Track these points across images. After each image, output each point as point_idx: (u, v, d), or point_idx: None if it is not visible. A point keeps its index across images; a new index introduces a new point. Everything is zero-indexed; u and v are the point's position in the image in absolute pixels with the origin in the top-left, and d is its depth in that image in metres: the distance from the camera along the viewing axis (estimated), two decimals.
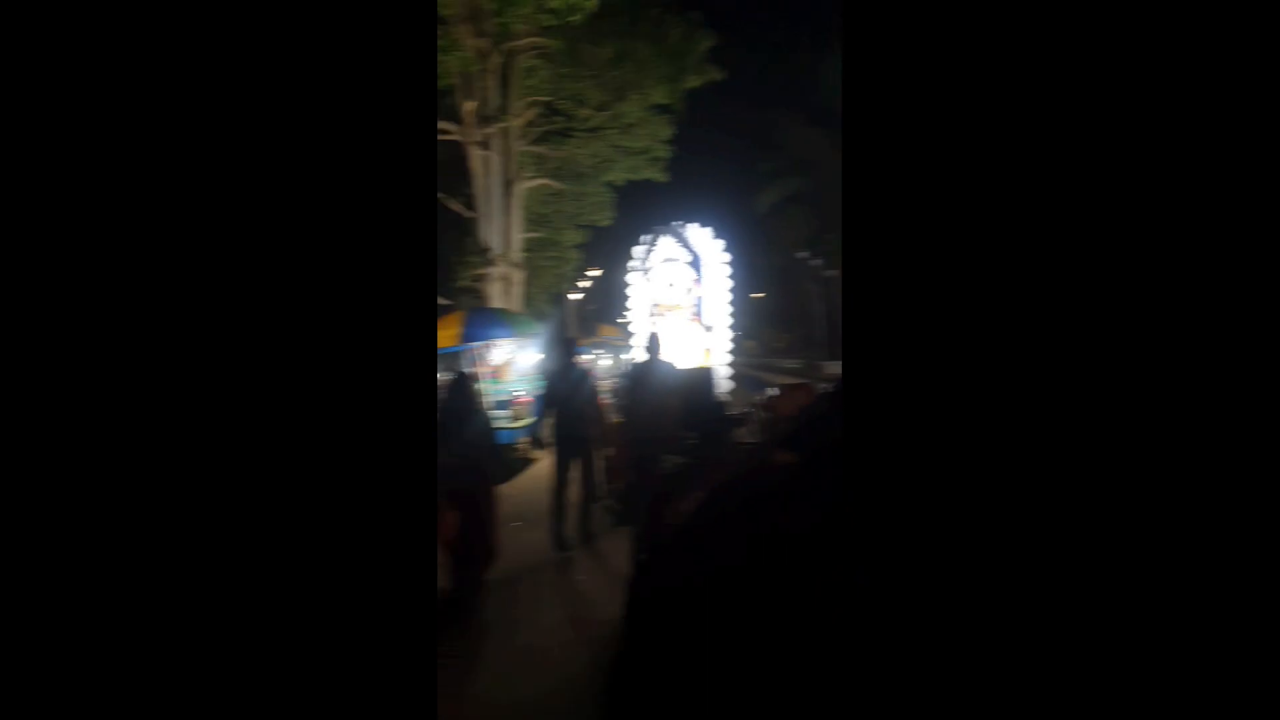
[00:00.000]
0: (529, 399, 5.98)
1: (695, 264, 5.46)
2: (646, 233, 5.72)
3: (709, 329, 5.33)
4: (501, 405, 6.12)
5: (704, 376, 3.08)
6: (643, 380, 3.15)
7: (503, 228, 9.44)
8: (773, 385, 3.69)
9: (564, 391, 3.43)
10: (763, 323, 33.16)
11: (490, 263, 9.32)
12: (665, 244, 5.56)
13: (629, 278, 5.77)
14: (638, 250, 5.66)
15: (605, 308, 26.26)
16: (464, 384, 3.15)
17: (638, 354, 4.18)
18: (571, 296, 20.73)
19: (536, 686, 2.26)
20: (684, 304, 5.41)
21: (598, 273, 20.89)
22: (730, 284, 5.51)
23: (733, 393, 4.84)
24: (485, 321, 6.85)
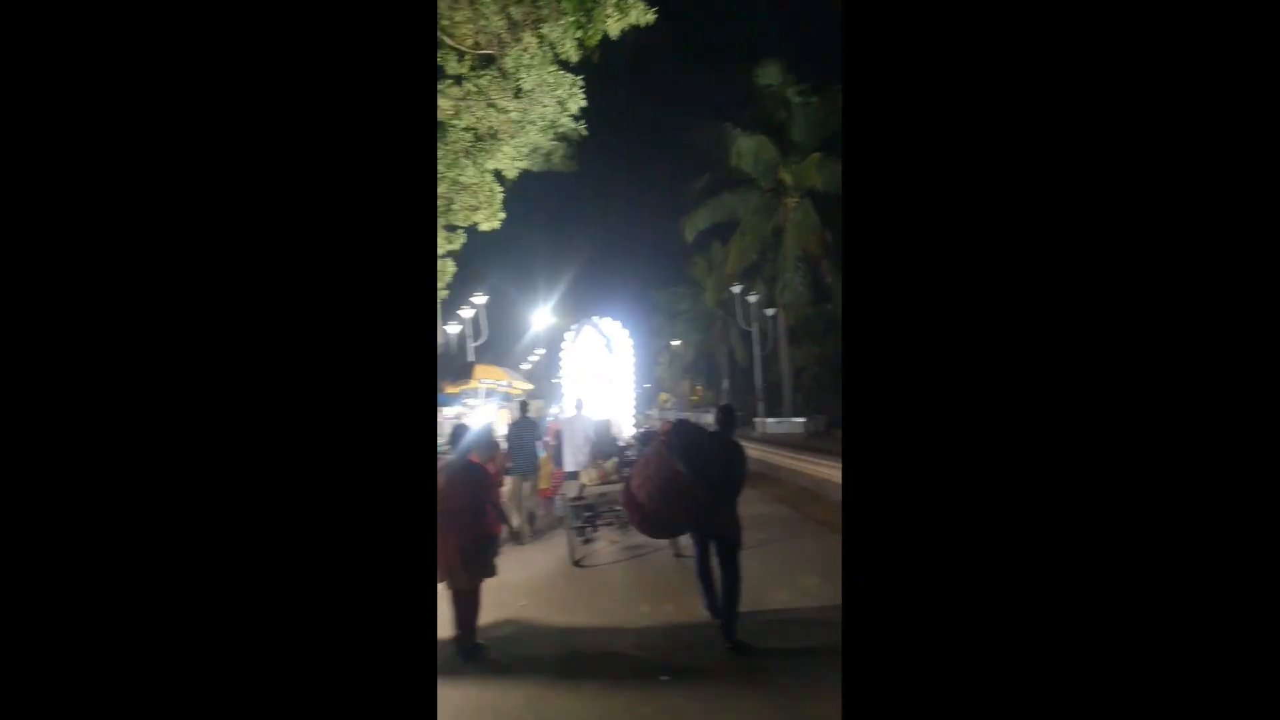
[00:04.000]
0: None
1: (609, 345, 7.62)
2: (574, 325, 7.88)
3: (620, 390, 7.65)
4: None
5: (606, 424, 5.98)
6: (571, 425, 5.68)
7: None
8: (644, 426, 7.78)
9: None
10: (680, 374, 31.13)
11: None
12: (587, 333, 7.58)
13: (561, 353, 7.79)
14: (568, 335, 7.79)
15: (497, 343, 20.62)
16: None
17: (568, 409, 6.76)
18: (450, 327, 16.19)
19: None
20: (601, 373, 7.50)
21: (482, 300, 15.87)
22: (632, 362, 7.68)
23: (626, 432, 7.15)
24: None
